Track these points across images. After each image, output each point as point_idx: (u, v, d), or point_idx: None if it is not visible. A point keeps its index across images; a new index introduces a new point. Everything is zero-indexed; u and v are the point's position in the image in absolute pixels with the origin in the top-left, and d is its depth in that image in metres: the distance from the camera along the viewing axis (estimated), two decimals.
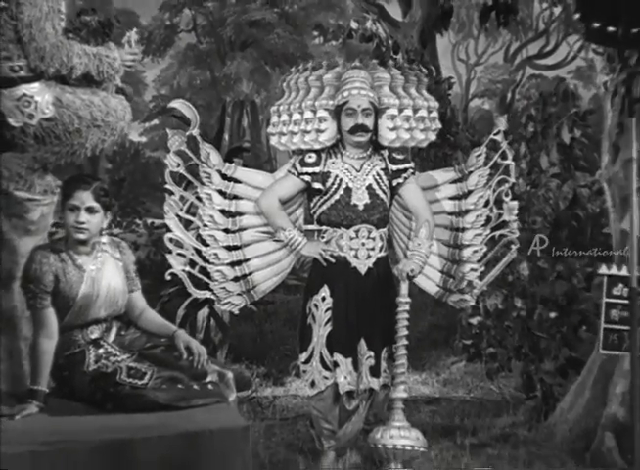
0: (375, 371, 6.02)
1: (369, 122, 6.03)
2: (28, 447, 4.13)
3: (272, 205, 6.08)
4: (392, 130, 6.16)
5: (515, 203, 6.30)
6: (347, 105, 6.04)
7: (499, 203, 6.31)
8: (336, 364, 6.02)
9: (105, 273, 4.95)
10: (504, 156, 6.28)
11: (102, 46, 5.60)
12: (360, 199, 6.06)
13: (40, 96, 5.28)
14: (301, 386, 7.97)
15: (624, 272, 6.01)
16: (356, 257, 6.06)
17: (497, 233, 6.34)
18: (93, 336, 4.88)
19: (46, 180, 5.48)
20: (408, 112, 6.19)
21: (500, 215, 6.28)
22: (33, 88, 5.27)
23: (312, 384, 6.07)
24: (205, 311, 8.47)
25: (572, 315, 7.60)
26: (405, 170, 6.12)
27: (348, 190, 6.07)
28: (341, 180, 6.08)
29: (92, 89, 5.48)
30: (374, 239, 6.08)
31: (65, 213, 4.88)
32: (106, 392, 4.66)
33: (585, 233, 8.29)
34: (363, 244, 6.08)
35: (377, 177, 6.10)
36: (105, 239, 5.04)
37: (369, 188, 6.08)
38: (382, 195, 6.10)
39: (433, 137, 6.35)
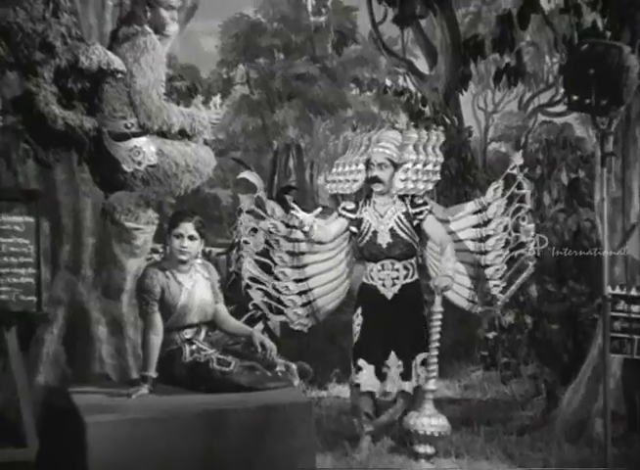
0: (405, 376, 6.68)
1: (383, 175, 6.73)
2: (146, 415, 4.93)
3: (327, 230, 6.79)
4: (403, 181, 6.77)
5: (531, 226, 6.76)
6: (370, 160, 6.79)
7: (517, 227, 6.77)
8: (359, 368, 6.74)
9: (197, 289, 5.61)
10: (520, 186, 6.77)
11: (193, 107, 6.21)
12: (384, 239, 6.76)
13: (147, 147, 5.94)
14: (343, 390, 8.51)
15: (624, 292, 6.38)
16: (383, 285, 6.77)
17: (516, 253, 6.79)
18: (187, 336, 5.57)
19: (148, 213, 6.16)
20: (419, 166, 6.80)
21: (518, 238, 6.77)
22: (141, 141, 5.94)
23: (352, 382, 6.85)
24: (259, 326, 9.08)
25: (573, 328, 7.99)
26: (421, 212, 6.76)
27: (375, 232, 6.79)
28: (370, 224, 6.81)
29: (186, 141, 6.14)
30: (397, 270, 6.75)
31: (171, 240, 5.53)
32: (201, 377, 5.37)
33: (591, 260, 8.38)
34: (388, 274, 6.76)
35: (398, 220, 6.76)
36: (198, 261, 5.70)
37: (391, 230, 6.75)
38: (402, 234, 6.75)
39: (430, 187, 6.90)
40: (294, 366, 5.74)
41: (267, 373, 5.52)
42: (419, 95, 11.07)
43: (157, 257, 6.90)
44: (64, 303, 6.21)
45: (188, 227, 5.55)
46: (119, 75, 5.89)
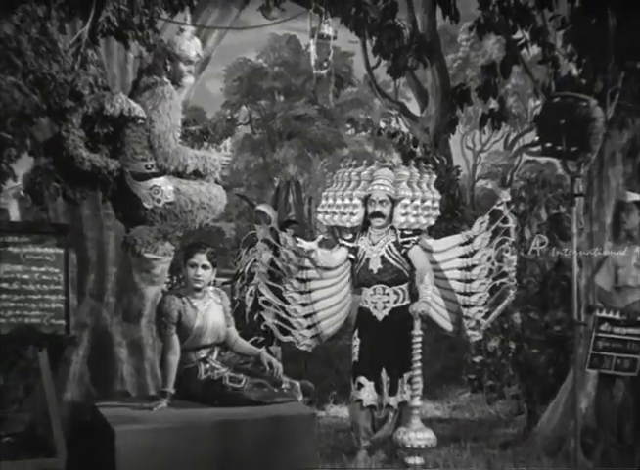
0: (392, 391, 7.00)
1: (384, 210, 7.07)
2: (166, 425, 5.30)
3: (330, 256, 7.16)
4: (403, 216, 7.12)
5: (514, 257, 7.03)
6: (370, 196, 7.12)
7: (500, 258, 7.02)
8: (361, 385, 7.05)
9: (211, 313, 5.93)
10: (505, 221, 7.01)
11: (206, 150, 6.45)
12: (375, 265, 7.09)
13: (165, 186, 6.18)
14: (339, 410, 8.95)
15: (610, 315, 6.81)
16: (375, 308, 7.10)
17: (498, 282, 7.06)
18: (202, 356, 5.89)
19: (165, 245, 6.39)
20: (417, 202, 7.16)
21: (500, 268, 7.04)
22: (160, 181, 6.18)
23: (352, 398, 7.17)
24: (263, 350, 9.34)
25: (553, 352, 8.17)
26: (409, 242, 7.09)
27: (367, 259, 7.12)
28: (364, 252, 7.15)
29: (200, 181, 6.35)
30: (388, 294, 7.07)
31: (186, 269, 5.85)
32: (214, 392, 5.71)
33: (572, 289, 8.85)
34: (379, 298, 7.08)
35: (388, 249, 7.09)
36: (211, 288, 6.03)
37: (382, 257, 7.08)
38: (391, 261, 7.07)
39: (432, 222, 7.26)
40: (297, 384, 6.08)
41: (274, 389, 5.86)
42: (411, 136, 11.26)
43: (164, 286, 7.20)
44: (89, 326, 6.55)
45: (202, 258, 5.88)
46: (140, 121, 6.12)
